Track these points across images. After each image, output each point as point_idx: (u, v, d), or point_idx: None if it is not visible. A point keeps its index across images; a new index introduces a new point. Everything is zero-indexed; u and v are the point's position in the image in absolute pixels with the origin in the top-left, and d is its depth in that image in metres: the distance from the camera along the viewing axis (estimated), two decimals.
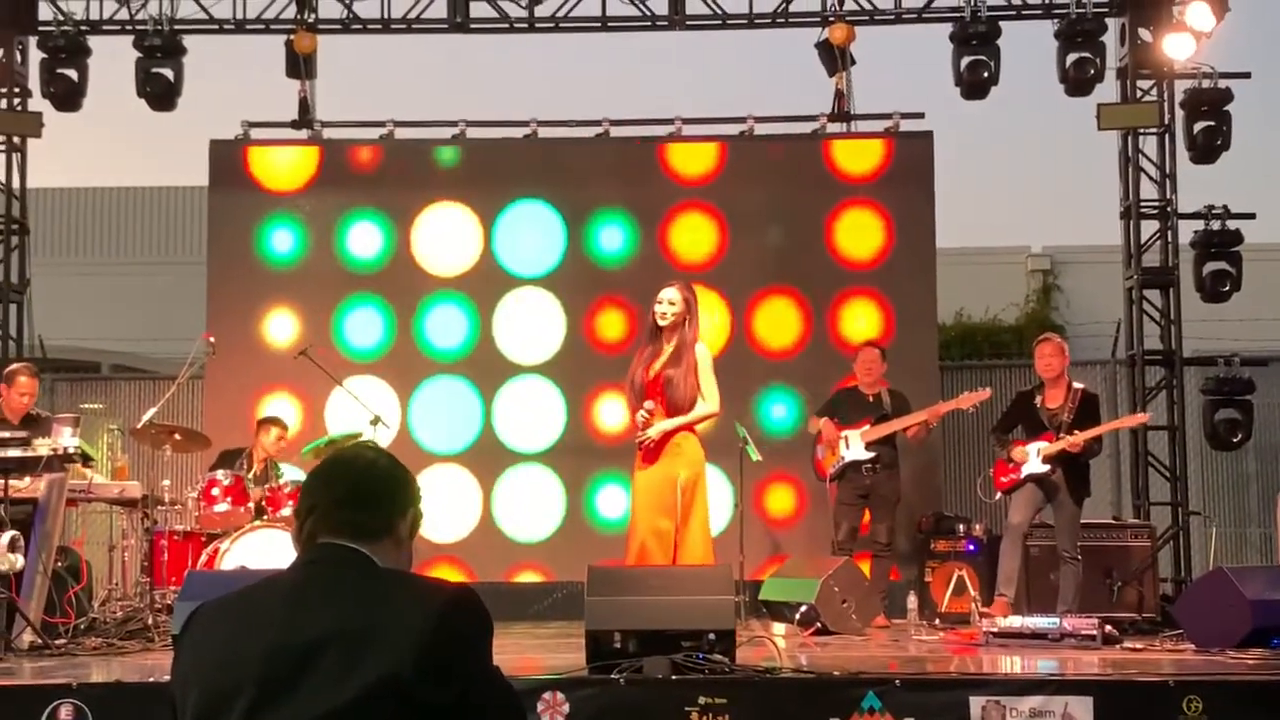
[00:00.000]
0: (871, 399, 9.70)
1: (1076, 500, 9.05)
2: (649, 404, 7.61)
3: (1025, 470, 9.00)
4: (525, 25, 11.63)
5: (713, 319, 10.83)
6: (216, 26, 11.55)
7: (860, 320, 11.08)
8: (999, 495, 9.39)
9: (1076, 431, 8.87)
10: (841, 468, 9.54)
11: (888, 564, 9.65)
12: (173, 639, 6.28)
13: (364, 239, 11.36)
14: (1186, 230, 11.25)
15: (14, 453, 7.49)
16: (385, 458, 2.67)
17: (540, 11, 11.54)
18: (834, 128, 11.43)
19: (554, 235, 11.32)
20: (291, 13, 11.54)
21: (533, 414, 11.15)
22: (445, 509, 10.85)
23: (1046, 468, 8.94)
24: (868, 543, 9.60)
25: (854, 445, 9.52)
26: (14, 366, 9.07)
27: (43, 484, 7.64)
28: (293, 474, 9.76)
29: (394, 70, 24.75)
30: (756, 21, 11.60)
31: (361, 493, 2.57)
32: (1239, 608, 7.37)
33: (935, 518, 10.27)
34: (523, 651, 7.56)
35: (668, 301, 7.69)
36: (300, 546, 2.58)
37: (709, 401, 7.67)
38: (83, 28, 11.46)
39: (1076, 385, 9.21)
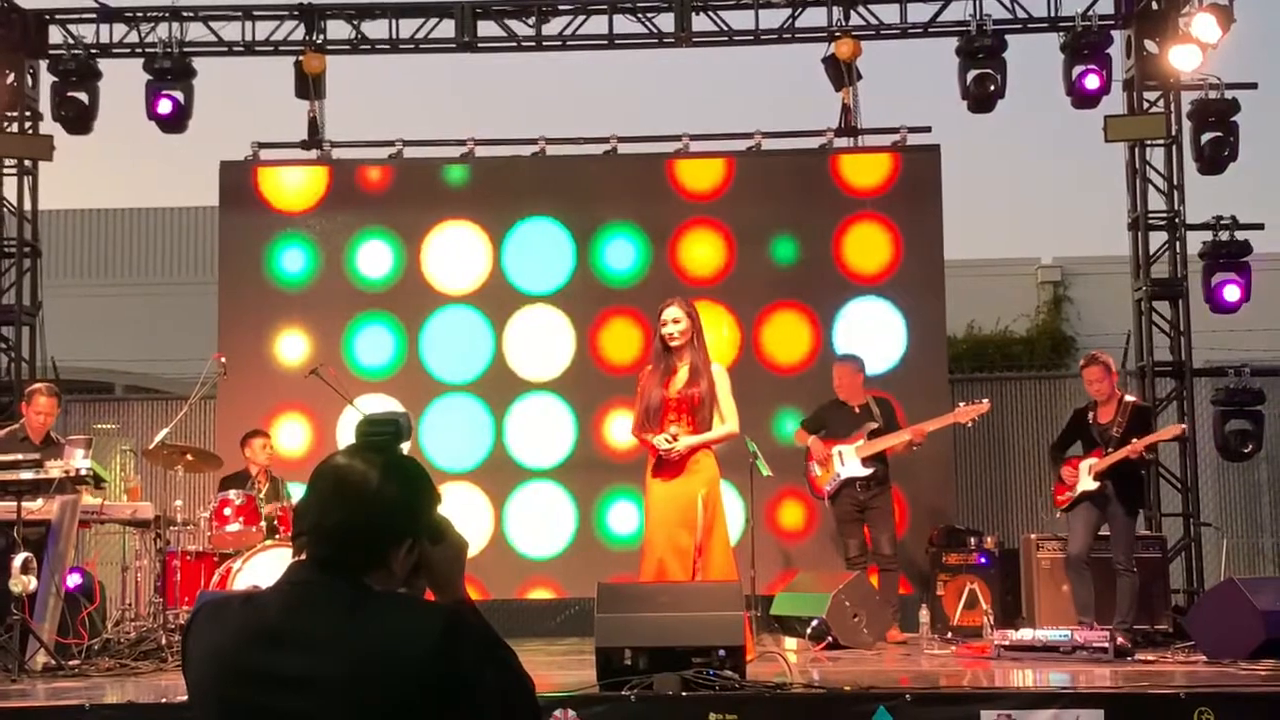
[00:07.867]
0: (859, 410, 9.64)
1: (1130, 511, 8.95)
2: (674, 428, 7.54)
3: (1079, 488, 8.93)
4: (533, 44, 11.67)
5: (722, 334, 10.85)
6: (226, 49, 11.61)
7: (870, 334, 11.07)
8: (1060, 514, 9.36)
9: (1134, 440, 8.80)
10: (839, 485, 9.50)
11: (895, 576, 9.57)
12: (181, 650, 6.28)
13: (374, 258, 11.41)
14: (1195, 241, 11.24)
15: (27, 475, 7.54)
16: (391, 481, 2.48)
17: (547, 30, 11.58)
18: (841, 142, 11.46)
19: (563, 252, 11.35)
20: (300, 34, 11.59)
21: (543, 431, 11.18)
22: (457, 526, 10.83)
23: (1098, 485, 8.85)
24: (873, 556, 9.53)
25: (849, 461, 9.46)
26: (34, 386, 9.17)
27: (55, 506, 7.68)
28: (300, 493, 9.77)
29: (402, 90, 24.83)
30: (763, 38, 11.60)
31: (356, 522, 2.43)
32: (1251, 619, 7.39)
33: (947, 531, 10.25)
34: (534, 669, 7.52)
35: (672, 321, 7.62)
36: (296, 559, 2.50)
37: (730, 423, 7.57)
38: (93, 51, 11.52)
39: (1128, 399, 9.12)
